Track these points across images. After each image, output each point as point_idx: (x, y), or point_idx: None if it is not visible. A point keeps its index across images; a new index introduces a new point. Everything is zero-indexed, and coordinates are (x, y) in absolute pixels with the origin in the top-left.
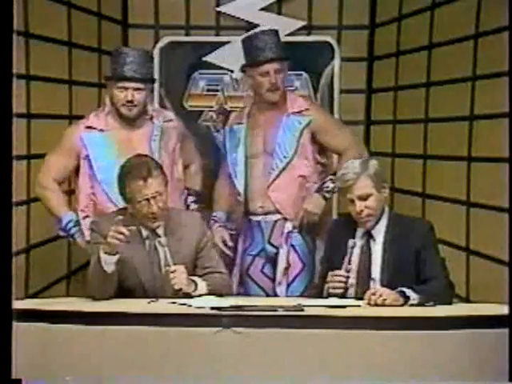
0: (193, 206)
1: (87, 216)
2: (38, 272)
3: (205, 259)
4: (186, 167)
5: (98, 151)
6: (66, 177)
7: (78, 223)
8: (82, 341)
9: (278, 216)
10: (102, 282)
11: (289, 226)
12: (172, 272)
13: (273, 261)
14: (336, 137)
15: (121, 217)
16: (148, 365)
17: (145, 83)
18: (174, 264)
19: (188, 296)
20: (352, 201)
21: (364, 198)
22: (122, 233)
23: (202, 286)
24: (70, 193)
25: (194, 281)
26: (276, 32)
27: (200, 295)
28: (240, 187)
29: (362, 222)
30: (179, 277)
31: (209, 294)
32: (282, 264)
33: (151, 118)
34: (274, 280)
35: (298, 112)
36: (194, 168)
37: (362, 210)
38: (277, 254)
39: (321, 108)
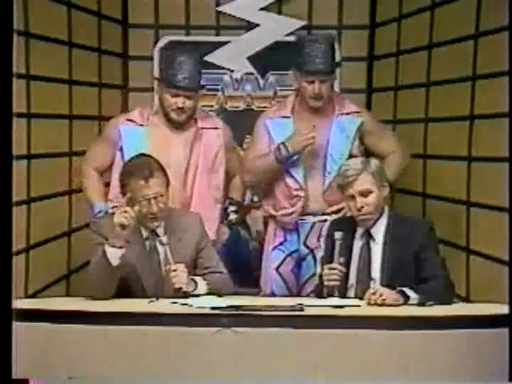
0: (232, 216)
1: (115, 206)
2: (38, 272)
3: (205, 259)
4: (230, 178)
5: (132, 145)
6: (106, 166)
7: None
8: (83, 341)
9: (317, 218)
10: (106, 277)
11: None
12: (173, 271)
13: (301, 263)
14: (383, 140)
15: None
16: (148, 365)
17: (196, 91)
18: (175, 263)
19: (188, 295)
20: (353, 197)
21: (365, 195)
22: (127, 211)
23: (202, 285)
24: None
25: (194, 280)
26: (331, 40)
27: (200, 295)
28: (301, 181)
29: (361, 219)
30: (180, 276)
31: (209, 293)
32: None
33: (196, 123)
34: (298, 281)
35: (348, 113)
36: (239, 180)
37: (362, 207)
38: (307, 256)
39: (368, 110)
